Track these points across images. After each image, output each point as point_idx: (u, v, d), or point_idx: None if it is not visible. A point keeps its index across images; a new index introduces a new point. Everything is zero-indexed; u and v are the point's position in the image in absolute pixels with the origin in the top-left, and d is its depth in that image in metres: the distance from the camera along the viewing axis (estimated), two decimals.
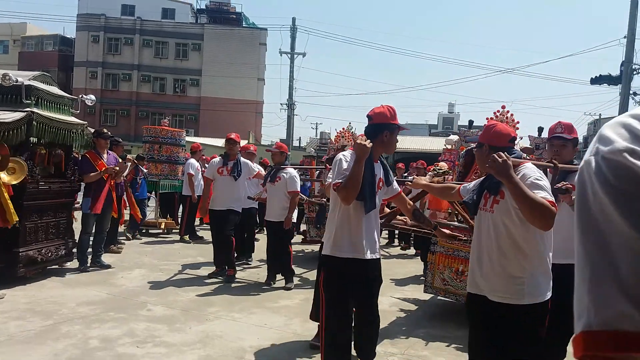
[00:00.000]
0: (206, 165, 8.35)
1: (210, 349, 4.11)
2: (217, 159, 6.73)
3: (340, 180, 3.05)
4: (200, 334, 4.42)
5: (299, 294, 6.02)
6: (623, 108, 18.11)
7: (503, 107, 5.32)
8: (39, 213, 5.85)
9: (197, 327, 4.57)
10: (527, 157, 3.65)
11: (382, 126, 3.26)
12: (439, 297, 5.48)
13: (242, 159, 6.65)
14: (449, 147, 6.48)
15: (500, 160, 2.37)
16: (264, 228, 8.90)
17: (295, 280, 6.54)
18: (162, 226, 10.12)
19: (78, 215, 6.83)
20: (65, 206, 6.35)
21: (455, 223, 4.82)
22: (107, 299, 5.29)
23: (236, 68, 37.40)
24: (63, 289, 5.58)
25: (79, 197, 7.05)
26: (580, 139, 53.36)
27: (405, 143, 32.08)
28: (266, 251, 6.53)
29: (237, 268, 6.89)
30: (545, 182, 2.54)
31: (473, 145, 4.62)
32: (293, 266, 6.59)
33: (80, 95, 6.52)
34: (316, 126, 52.00)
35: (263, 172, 7.16)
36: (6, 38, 42.45)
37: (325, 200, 6.60)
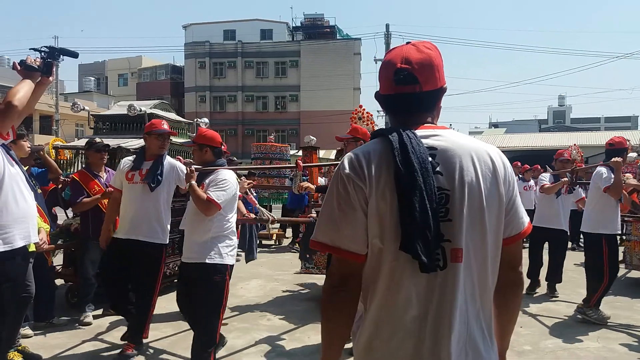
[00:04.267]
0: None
1: None
2: (129, 158, 4.29)
3: None
4: (319, 344, 4.49)
5: None
6: None
7: None
8: None
9: (315, 336, 4.65)
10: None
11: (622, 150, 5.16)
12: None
13: (169, 159, 4.21)
14: (631, 161, 8.58)
15: None
16: None
17: None
18: (274, 237, 10.51)
19: None
20: None
21: None
22: (230, 309, 5.55)
23: (332, 80, 38.01)
24: None
25: None
26: None
27: (513, 141, 30.50)
28: (180, 309, 3.95)
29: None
30: None
31: None
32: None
33: (195, 120, 6.99)
34: None
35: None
36: (125, 71, 46.84)
37: (313, 216, 4.83)
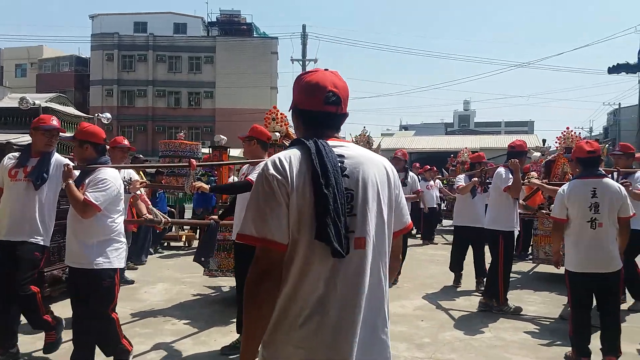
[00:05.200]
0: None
1: None
2: (13, 154, 4.05)
3: None
4: (226, 346, 4.41)
5: None
6: None
7: (567, 128, 7.68)
8: (61, 233, 5.90)
9: (221, 339, 4.57)
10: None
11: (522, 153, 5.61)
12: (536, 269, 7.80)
13: (57, 157, 3.96)
14: (535, 160, 9.09)
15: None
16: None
17: None
18: (183, 239, 10.20)
19: None
20: None
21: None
22: (132, 315, 5.32)
23: (249, 78, 37.64)
24: None
25: None
26: (600, 130, 52.41)
27: (421, 143, 31.88)
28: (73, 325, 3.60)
29: None
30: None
31: (549, 157, 7.94)
32: None
33: (96, 114, 6.62)
34: None
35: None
36: (24, 61, 43.41)
37: (214, 219, 4.86)
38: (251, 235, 1.50)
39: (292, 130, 6.59)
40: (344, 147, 1.63)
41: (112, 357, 3.70)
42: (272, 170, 1.53)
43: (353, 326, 1.50)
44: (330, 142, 1.60)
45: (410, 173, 7.59)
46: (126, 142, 5.42)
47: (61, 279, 5.80)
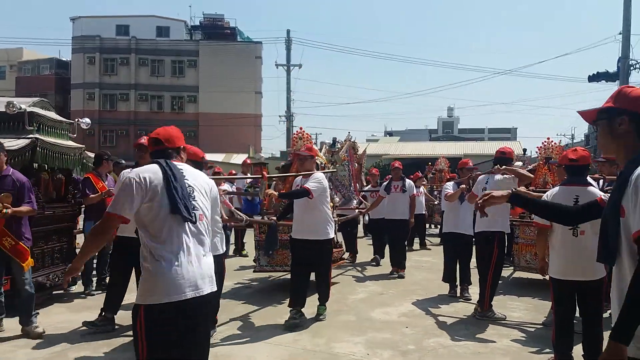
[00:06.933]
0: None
1: None
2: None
3: None
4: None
5: (305, 309, 5.96)
6: None
7: (548, 138, 7.93)
8: (45, 239, 5.82)
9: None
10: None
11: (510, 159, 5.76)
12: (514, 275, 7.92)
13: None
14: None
15: None
16: None
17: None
18: None
19: (80, 238, 6.79)
20: (68, 230, 6.33)
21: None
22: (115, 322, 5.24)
23: (233, 83, 37.53)
24: (70, 314, 5.54)
25: (80, 221, 7.03)
26: (582, 137, 53.00)
27: (406, 149, 32.11)
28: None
29: None
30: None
31: (530, 167, 8.08)
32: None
33: (76, 120, 6.52)
34: (316, 137, 52.04)
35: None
36: (3, 63, 42.75)
37: (274, 219, 6.17)
38: (112, 212, 2.48)
39: (316, 147, 7.52)
40: (182, 165, 2.71)
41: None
42: (137, 179, 2.50)
43: (199, 260, 2.56)
44: (175, 163, 2.67)
45: (408, 180, 8.03)
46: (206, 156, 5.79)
47: (45, 285, 5.71)
